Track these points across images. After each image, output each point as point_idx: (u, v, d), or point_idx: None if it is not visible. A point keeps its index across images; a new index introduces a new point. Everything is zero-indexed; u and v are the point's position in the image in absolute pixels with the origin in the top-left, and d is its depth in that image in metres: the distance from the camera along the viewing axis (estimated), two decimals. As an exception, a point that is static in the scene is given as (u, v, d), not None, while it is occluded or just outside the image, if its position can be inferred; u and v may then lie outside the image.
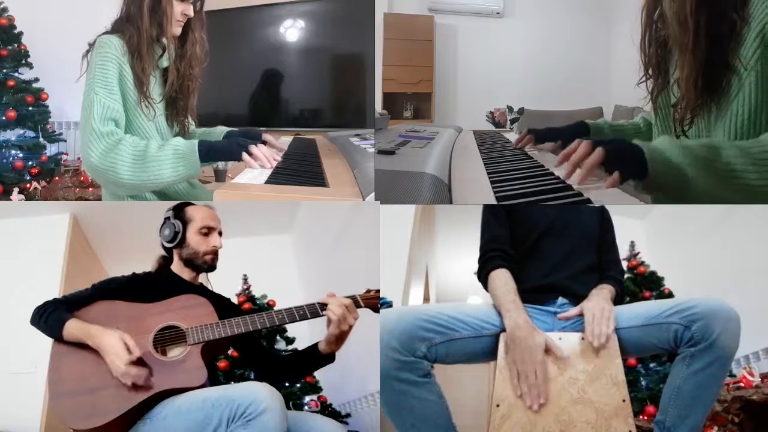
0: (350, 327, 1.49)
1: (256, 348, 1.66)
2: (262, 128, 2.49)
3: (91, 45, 1.73)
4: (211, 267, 1.61)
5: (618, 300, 1.45)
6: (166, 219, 1.63)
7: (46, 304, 1.45)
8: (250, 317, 1.49)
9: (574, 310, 1.37)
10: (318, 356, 1.54)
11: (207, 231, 1.61)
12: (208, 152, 1.67)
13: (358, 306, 1.52)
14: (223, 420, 1.23)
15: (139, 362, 1.36)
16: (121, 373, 1.34)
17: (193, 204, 1.66)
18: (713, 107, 1.33)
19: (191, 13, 1.81)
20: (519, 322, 1.29)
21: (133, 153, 1.63)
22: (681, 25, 1.32)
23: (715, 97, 1.32)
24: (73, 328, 1.39)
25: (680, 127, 1.41)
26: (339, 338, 1.50)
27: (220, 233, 1.63)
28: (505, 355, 1.29)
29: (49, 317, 1.41)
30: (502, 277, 1.41)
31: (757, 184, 1.17)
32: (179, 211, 1.63)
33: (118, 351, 1.35)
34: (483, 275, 1.47)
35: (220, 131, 2.02)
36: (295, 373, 1.91)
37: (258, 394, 1.24)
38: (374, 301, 1.53)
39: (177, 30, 1.81)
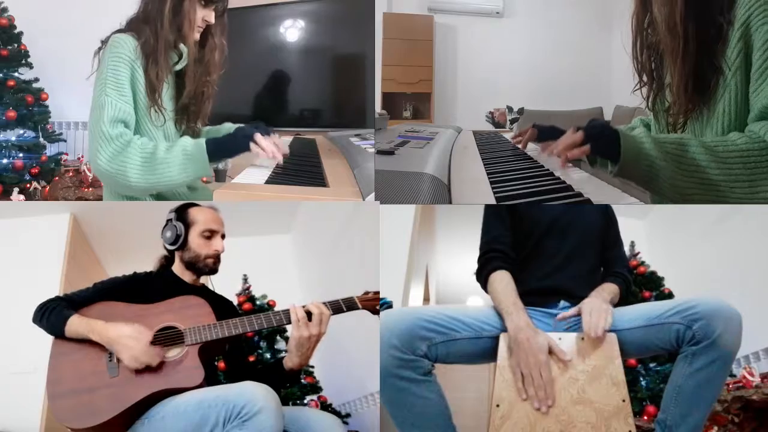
0: (311, 336, 1.45)
1: (237, 358, 1.64)
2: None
3: (104, 42, 1.66)
4: (212, 270, 1.60)
5: (623, 297, 1.45)
6: (168, 221, 1.61)
7: (49, 301, 1.46)
8: (248, 318, 1.48)
9: (572, 310, 1.37)
10: (282, 373, 1.51)
11: (209, 234, 1.59)
12: (216, 149, 1.62)
13: (354, 308, 1.51)
14: (220, 420, 1.23)
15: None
16: (138, 356, 1.35)
17: (196, 205, 1.64)
18: (704, 110, 1.36)
19: (212, 20, 1.73)
20: (520, 324, 1.29)
21: (142, 156, 1.58)
22: (671, 32, 1.35)
23: (705, 100, 1.35)
24: (76, 324, 1.40)
25: (674, 130, 1.42)
26: (298, 346, 1.46)
27: (222, 236, 1.62)
28: (508, 357, 1.29)
29: (52, 314, 1.42)
30: (502, 279, 1.41)
31: (718, 180, 1.24)
32: (182, 213, 1.61)
33: (132, 334, 1.38)
34: (483, 276, 1.46)
35: (227, 128, 1.95)
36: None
37: (253, 395, 1.25)
38: (372, 303, 1.52)
39: (196, 36, 1.73)
